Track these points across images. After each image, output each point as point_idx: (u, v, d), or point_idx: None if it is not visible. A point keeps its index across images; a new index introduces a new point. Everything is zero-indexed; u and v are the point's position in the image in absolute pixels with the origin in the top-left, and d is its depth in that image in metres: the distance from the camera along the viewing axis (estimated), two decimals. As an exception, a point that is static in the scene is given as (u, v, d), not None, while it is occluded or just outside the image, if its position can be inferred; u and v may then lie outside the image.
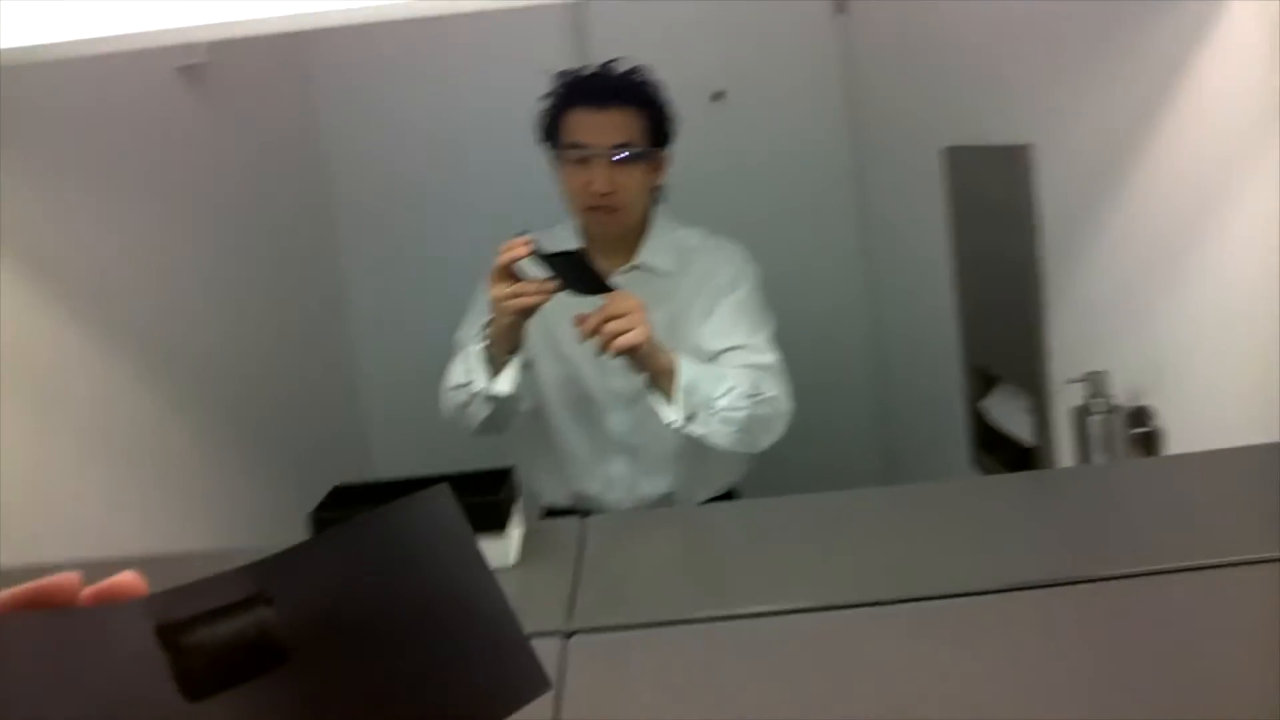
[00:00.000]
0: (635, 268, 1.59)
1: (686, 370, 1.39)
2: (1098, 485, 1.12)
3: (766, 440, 1.49)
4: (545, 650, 0.78)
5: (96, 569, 1.11)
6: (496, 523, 0.95)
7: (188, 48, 1.68)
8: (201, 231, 1.76)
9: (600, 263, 1.59)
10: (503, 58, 2.29)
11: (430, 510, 0.39)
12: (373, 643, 0.36)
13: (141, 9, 0.97)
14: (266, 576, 0.35)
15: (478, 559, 0.39)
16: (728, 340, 1.52)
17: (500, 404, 1.46)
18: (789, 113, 2.44)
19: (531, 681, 0.39)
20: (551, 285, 1.32)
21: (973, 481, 1.46)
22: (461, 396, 1.48)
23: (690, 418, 1.39)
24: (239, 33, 1.02)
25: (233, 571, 0.35)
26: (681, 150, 2.02)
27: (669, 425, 1.39)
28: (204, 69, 1.76)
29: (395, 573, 0.37)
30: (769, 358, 1.52)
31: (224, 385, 1.76)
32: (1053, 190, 1.47)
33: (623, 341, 1.30)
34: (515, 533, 0.98)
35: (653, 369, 1.38)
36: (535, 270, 1.34)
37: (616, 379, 1.55)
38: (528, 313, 1.35)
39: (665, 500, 1.63)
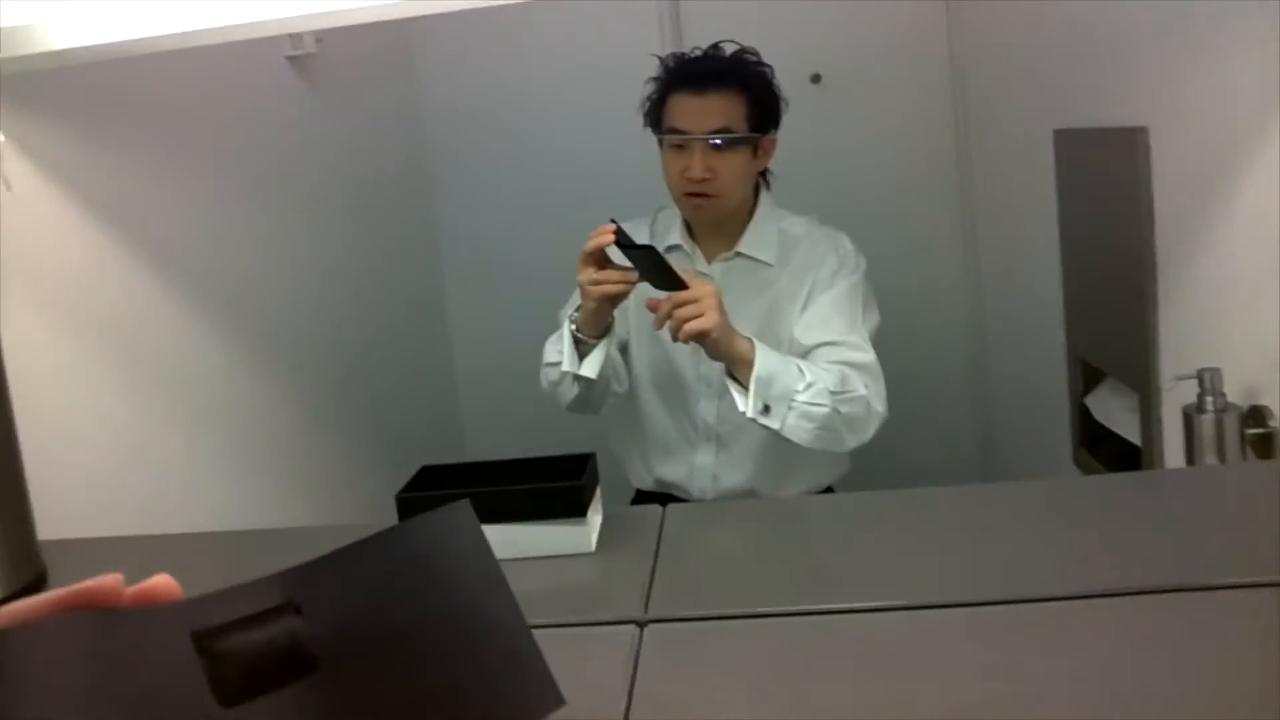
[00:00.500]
0: (736, 255, 1.58)
1: (764, 361, 1.36)
2: (1207, 488, 1.06)
3: (853, 441, 1.44)
4: (620, 638, 0.80)
5: (207, 541, 1.16)
6: (577, 509, 0.96)
7: (295, 38, 1.74)
8: (310, 221, 1.82)
9: (704, 248, 1.59)
10: (602, 46, 2.30)
11: (451, 525, 0.40)
12: (394, 654, 0.37)
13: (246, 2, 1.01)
14: (296, 585, 0.36)
15: (496, 574, 0.40)
16: (822, 335, 1.49)
17: (589, 385, 1.48)
18: (893, 97, 2.38)
19: (544, 697, 0.39)
20: (634, 276, 1.33)
21: (1074, 481, 1.40)
22: (553, 375, 1.50)
23: (765, 410, 1.36)
24: (339, 21, 1.05)
25: (264, 580, 0.36)
26: (783, 135, 1.98)
27: (744, 415, 1.38)
28: (312, 59, 1.81)
29: (417, 586, 0.38)
30: (863, 356, 1.47)
31: (329, 368, 1.82)
32: (1168, 176, 1.39)
33: (691, 327, 1.29)
34: (595, 519, 0.99)
35: (729, 358, 1.36)
36: (620, 258, 1.35)
37: (709, 365, 1.53)
38: (613, 299, 1.36)
39: (748, 495, 1.61)
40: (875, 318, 1.56)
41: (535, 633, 0.41)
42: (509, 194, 2.49)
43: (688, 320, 1.29)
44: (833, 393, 1.39)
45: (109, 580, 0.35)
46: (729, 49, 1.55)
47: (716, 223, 1.57)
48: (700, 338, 1.31)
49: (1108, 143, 1.53)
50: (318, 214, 1.85)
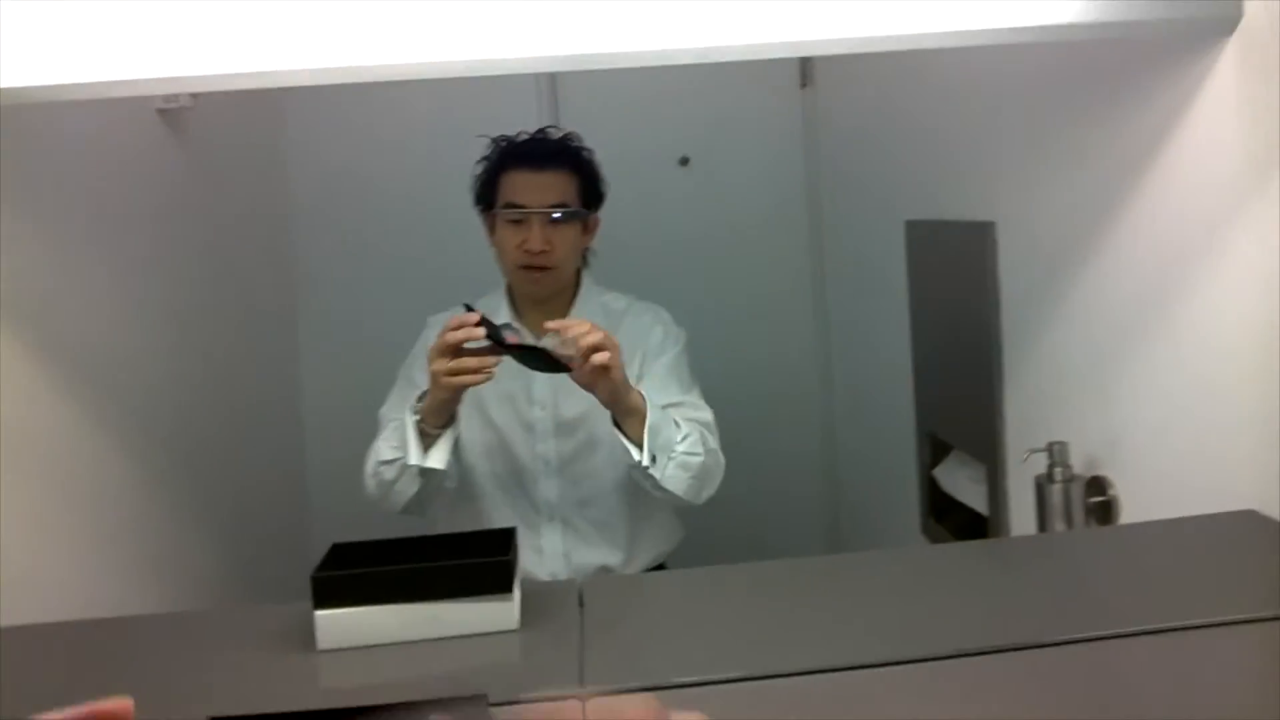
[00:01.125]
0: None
1: (651, 411, 1.43)
2: (1060, 551, 1.19)
3: (708, 492, 1.55)
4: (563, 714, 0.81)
5: (41, 632, 1.08)
6: (504, 584, 0.97)
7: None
8: (168, 279, 1.75)
9: (531, 326, 1.64)
10: (478, 120, 2.33)
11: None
12: None
13: (125, 56, 1.00)
14: None
15: None
16: (665, 398, 1.57)
17: (428, 480, 1.47)
18: (752, 179, 2.53)
19: None
20: (492, 362, 1.34)
21: (938, 548, 1.52)
22: (390, 473, 1.48)
23: (653, 460, 1.43)
24: (213, 86, 1.06)
25: None
26: (647, 212, 2.08)
27: (635, 464, 1.42)
28: (184, 113, 1.76)
29: None
30: (707, 414, 1.59)
31: (179, 440, 1.73)
32: (1015, 265, 1.56)
33: (600, 358, 1.33)
34: (517, 595, 1.00)
35: (624, 403, 1.41)
36: (478, 345, 1.36)
37: (544, 444, 1.58)
38: (466, 387, 1.37)
39: (602, 571, 1.64)
40: (699, 380, 1.67)
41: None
42: (372, 266, 2.47)
43: (597, 350, 1.33)
44: (702, 445, 1.50)
45: (121, 705, 0.34)
46: (554, 133, 1.65)
47: (546, 298, 1.63)
48: (605, 371, 1.34)
49: (958, 235, 1.70)
50: (175, 273, 1.78)
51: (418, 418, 1.42)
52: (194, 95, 1.75)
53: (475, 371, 1.34)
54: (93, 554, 1.43)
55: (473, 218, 1.66)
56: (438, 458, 1.42)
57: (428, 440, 1.42)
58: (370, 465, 1.53)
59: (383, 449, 1.50)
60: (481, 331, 1.33)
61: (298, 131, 2.42)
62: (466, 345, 1.34)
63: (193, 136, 1.83)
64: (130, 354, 1.58)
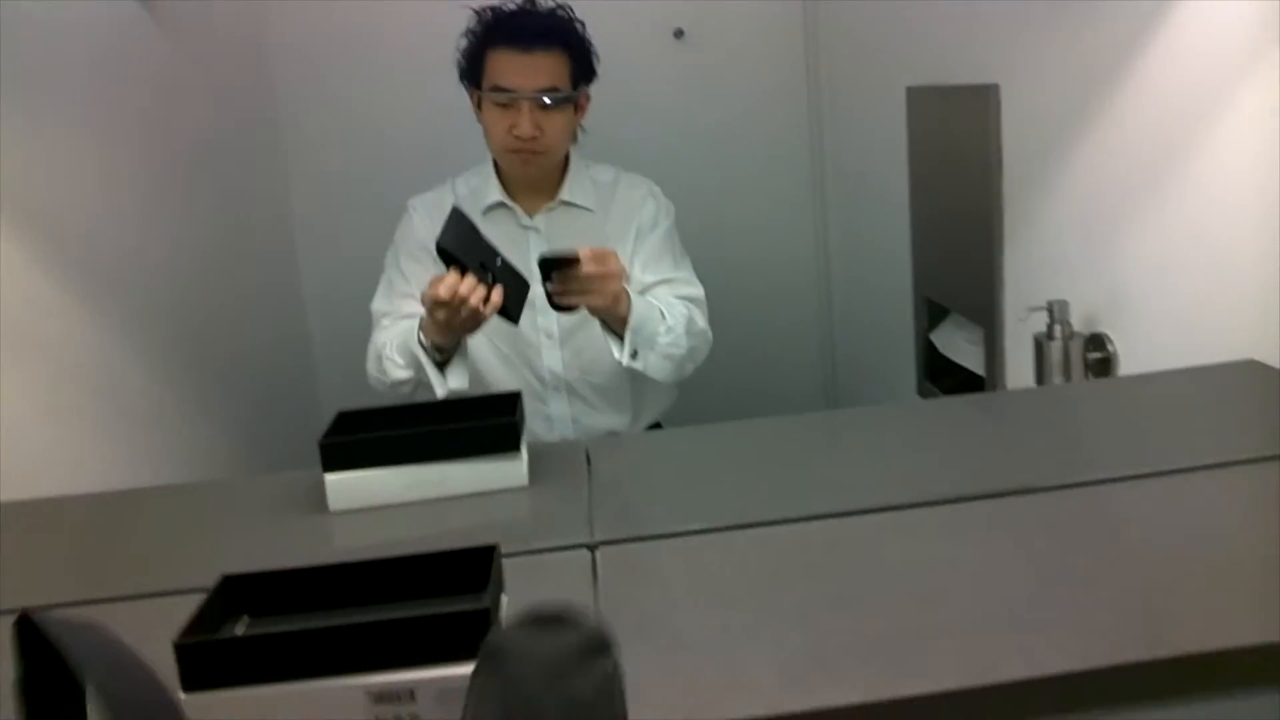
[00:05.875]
0: (561, 204, 1.61)
1: (635, 308, 1.41)
2: (1058, 402, 1.20)
3: (692, 368, 1.57)
4: (576, 563, 0.83)
5: (54, 506, 1.10)
6: (511, 444, 0.98)
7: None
8: (158, 169, 1.70)
9: (523, 204, 1.60)
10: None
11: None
12: None
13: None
14: None
15: None
16: (658, 274, 1.57)
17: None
18: (751, 52, 2.45)
19: None
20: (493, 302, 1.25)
21: (935, 402, 1.54)
22: (405, 389, 1.47)
23: (634, 355, 1.43)
24: None
25: None
26: (642, 86, 2.01)
27: (618, 361, 1.43)
28: (164, 3, 1.69)
29: None
30: (697, 290, 1.59)
31: (181, 332, 1.72)
32: (1017, 128, 1.53)
33: (594, 301, 1.32)
34: (525, 454, 1.01)
35: (616, 311, 1.39)
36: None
37: (546, 317, 1.58)
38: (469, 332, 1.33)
39: (610, 435, 1.66)
40: (688, 257, 1.66)
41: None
42: (359, 140, 2.40)
43: (591, 292, 1.31)
44: (686, 332, 1.50)
45: None
46: (544, 4, 1.55)
47: (538, 178, 1.59)
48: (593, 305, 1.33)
49: (960, 99, 1.66)
50: (166, 162, 1.73)
51: (431, 349, 1.37)
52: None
53: (475, 314, 1.25)
54: (103, 439, 1.44)
55: (458, 92, 1.60)
56: (458, 378, 1.39)
57: (442, 356, 1.39)
58: (376, 371, 1.51)
59: (392, 370, 1.46)
60: (478, 300, 1.24)
61: (278, 14, 2.32)
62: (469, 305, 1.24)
63: (175, 25, 1.75)
64: (124, 242, 1.55)
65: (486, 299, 1.23)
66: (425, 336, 1.37)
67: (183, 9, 1.79)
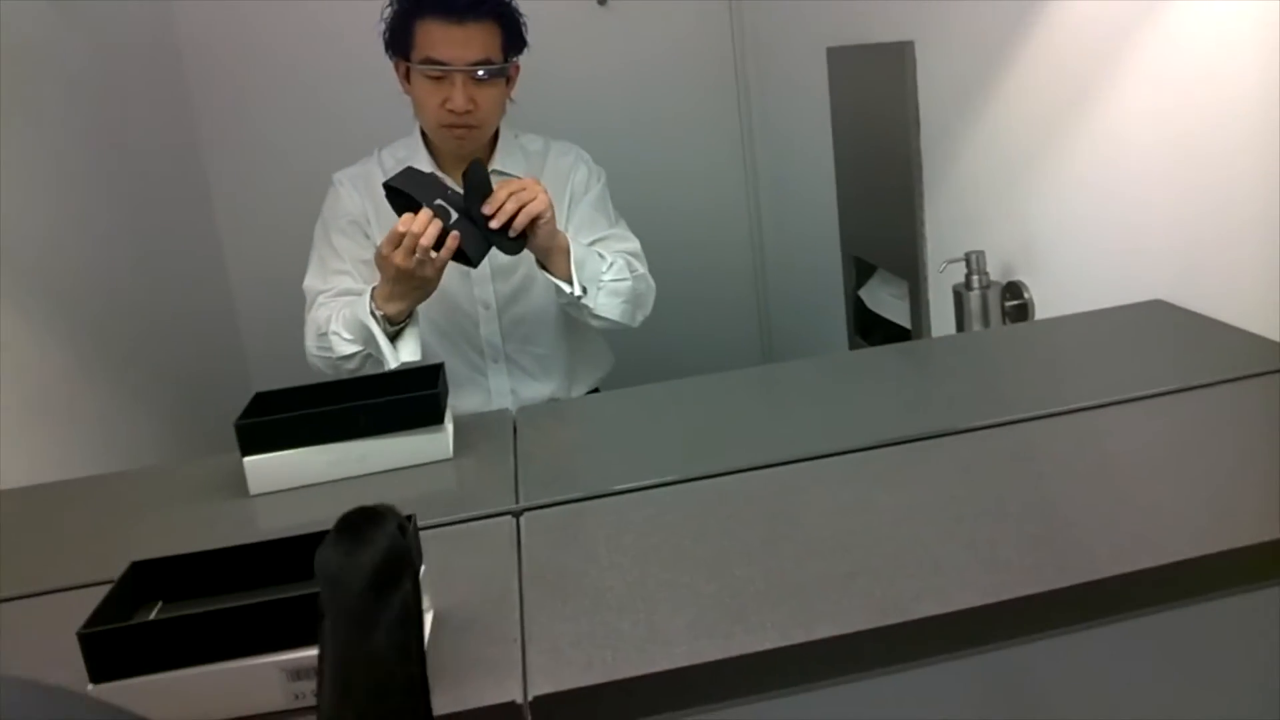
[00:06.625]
0: (493, 173, 1.59)
1: (575, 247, 1.42)
2: (976, 348, 1.22)
3: (642, 314, 1.56)
4: (499, 529, 0.82)
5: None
6: (435, 417, 0.97)
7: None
8: (76, 160, 1.65)
9: (453, 174, 1.57)
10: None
11: None
12: None
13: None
14: None
15: None
16: (593, 234, 1.56)
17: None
18: (674, 17, 2.44)
19: None
20: (438, 223, 1.25)
21: (860, 353, 1.55)
22: (351, 364, 1.44)
23: (584, 291, 1.42)
24: None
25: None
26: (567, 54, 1.97)
27: (570, 297, 1.42)
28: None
29: None
30: (633, 244, 1.59)
31: (98, 315, 1.67)
32: (932, 83, 1.54)
33: (533, 208, 1.29)
34: (449, 426, 1.00)
35: (552, 245, 1.38)
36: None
37: (482, 287, 1.57)
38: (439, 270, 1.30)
39: (551, 403, 1.65)
40: (622, 216, 1.67)
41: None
42: (276, 116, 2.34)
43: (527, 203, 1.29)
44: (629, 271, 1.50)
45: None
46: None
47: (471, 150, 1.57)
48: (536, 219, 1.31)
49: (877, 57, 1.67)
50: (75, 145, 1.67)
51: (378, 313, 1.34)
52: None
53: (429, 258, 1.24)
54: (18, 430, 1.39)
55: (382, 61, 1.56)
56: (410, 349, 1.37)
57: (394, 328, 1.36)
58: (317, 350, 1.47)
59: (339, 344, 1.42)
60: (431, 238, 1.23)
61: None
62: (422, 243, 1.24)
63: (81, 18, 1.68)
64: (36, 229, 1.50)
65: (441, 244, 1.23)
66: (378, 306, 1.35)
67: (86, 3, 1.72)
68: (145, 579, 0.73)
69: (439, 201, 1.25)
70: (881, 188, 1.76)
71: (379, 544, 0.52)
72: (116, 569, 0.72)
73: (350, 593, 0.51)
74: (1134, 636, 0.65)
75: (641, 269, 1.55)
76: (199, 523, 0.94)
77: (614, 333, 1.59)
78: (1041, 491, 0.79)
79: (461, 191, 1.27)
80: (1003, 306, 1.35)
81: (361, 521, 0.53)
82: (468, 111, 1.46)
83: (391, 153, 1.60)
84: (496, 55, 1.48)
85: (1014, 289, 1.36)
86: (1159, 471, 0.80)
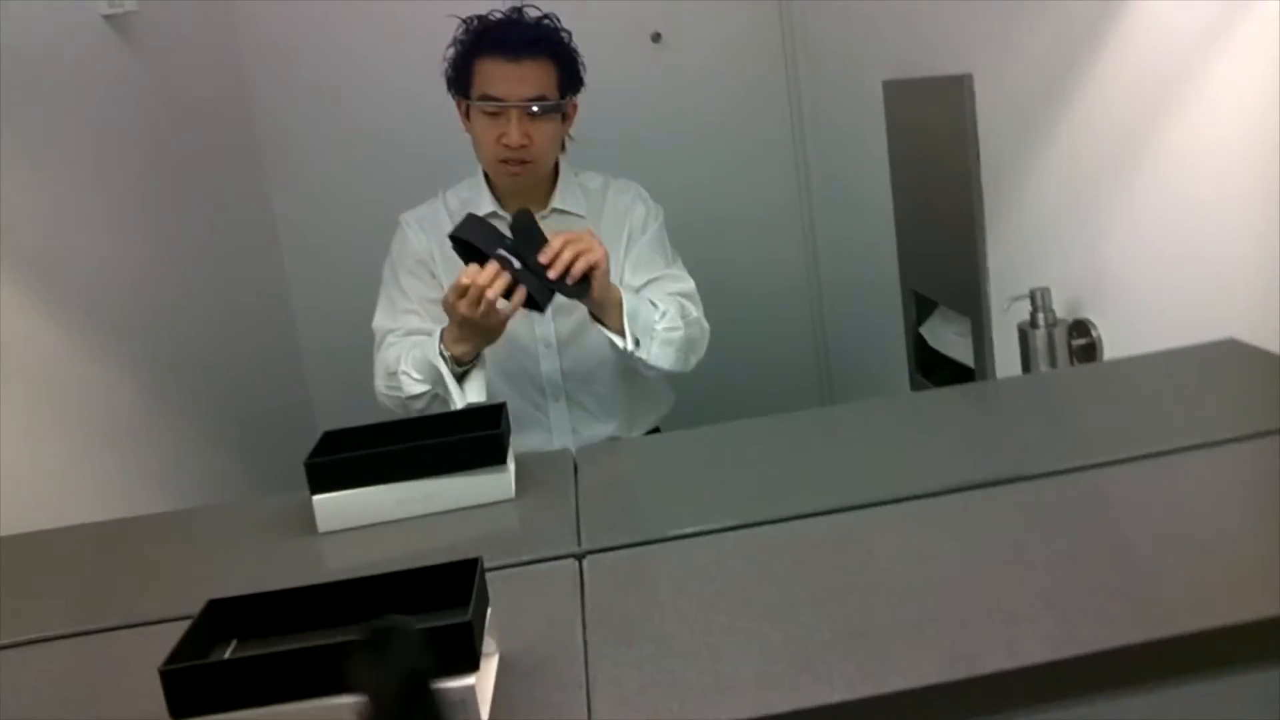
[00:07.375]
0: (554, 211, 1.62)
1: (628, 299, 1.44)
2: (1044, 390, 1.20)
3: (695, 359, 1.56)
4: (563, 573, 0.83)
5: (48, 539, 1.09)
6: (498, 456, 0.98)
7: (113, -4, 1.63)
8: (136, 191, 1.71)
9: (512, 210, 1.59)
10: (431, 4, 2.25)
11: None
12: None
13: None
14: None
15: None
16: (650, 273, 1.58)
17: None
18: (729, 52, 2.46)
19: None
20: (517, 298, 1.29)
21: (924, 395, 1.54)
22: (419, 405, 1.46)
23: (636, 344, 1.43)
24: None
25: None
26: (623, 92, 1.99)
27: (622, 350, 1.43)
28: (130, 18, 1.69)
29: None
30: (688, 285, 1.60)
31: (168, 350, 1.72)
32: (992, 117, 1.53)
33: (591, 258, 1.31)
34: (511, 466, 1.01)
35: (606, 298, 1.40)
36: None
37: (543, 325, 1.58)
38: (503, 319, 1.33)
39: (609, 442, 1.65)
40: (679, 255, 1.68)
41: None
42: (342, 160, 2.41)
43: (583, 252, 1.30)
44: (682, 318, 1.51)
45: None
46: (531, 14, 1.56)
47: (528, 187, 1.59)
48: (593, 269, 1.32)
49: (934, 90, 1.66)
50: (143, 183, 1.74)
51: (450, 358, 1.37)
52: None
53: (494, 308, 1.28)
54: (87, 463, 1.44)
55: (444, 102, 1.61)
56: (476, 390, 1.40)
57: (461, 369, 1.39)
58: (386, 388, 1.50)
59: (408, 384, 1.45)
60: (498, 291, 1.27)
61: (250, 26, 2.32)
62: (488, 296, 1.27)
63: (142, 42, 1.76)
64: (102, 264, 1.56)
65: (509, 295, 1.26)
66: (446, 348, 1.37)
67: (149, 22, 1.78)
68: (220, 617, 0.75)
69: (501, 251, 1.27)
70: (941, 223, 1.75)
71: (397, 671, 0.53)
72: (189, 605, 0.73)
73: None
74: (1219, 698, 0.63)
75: (696, 312, 1.55)
76: (270, 560, 0.96)
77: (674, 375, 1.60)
78: (1116, 540, 0.77)
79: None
80: (1069, 345, 1.33)
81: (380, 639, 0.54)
82: (522, 146, 1.50)
83: (456, 193, 1.64)
84: (552, 92, 1.51)
85: (1081, 327, 1.33)
86: (1240, 521, 0.78)
